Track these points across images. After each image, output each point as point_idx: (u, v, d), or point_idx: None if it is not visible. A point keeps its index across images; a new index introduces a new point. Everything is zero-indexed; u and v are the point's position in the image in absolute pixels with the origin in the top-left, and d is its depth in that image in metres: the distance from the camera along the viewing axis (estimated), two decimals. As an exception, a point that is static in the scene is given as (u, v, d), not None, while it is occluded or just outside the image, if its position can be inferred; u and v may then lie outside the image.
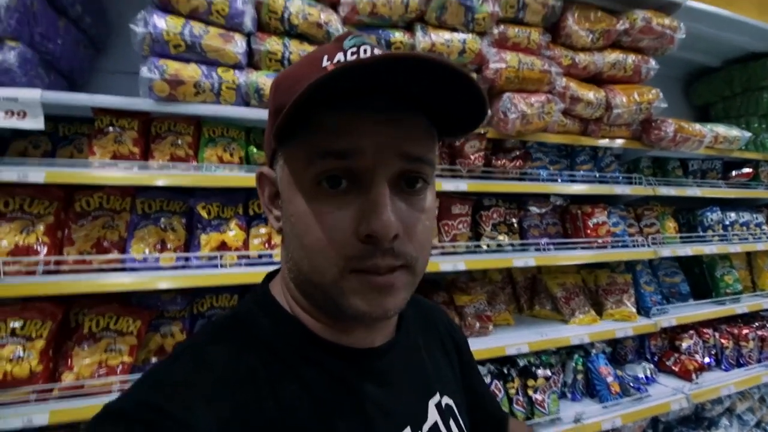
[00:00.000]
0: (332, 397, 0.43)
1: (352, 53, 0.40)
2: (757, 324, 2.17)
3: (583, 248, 1.81)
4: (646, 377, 1.86)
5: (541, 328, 1.72)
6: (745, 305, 2.09)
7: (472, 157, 1.54)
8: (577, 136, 1.78)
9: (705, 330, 2.06)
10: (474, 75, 1.56)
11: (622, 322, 1.82)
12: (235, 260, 1.25)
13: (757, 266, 2.34)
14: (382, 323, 0.50)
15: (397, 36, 1.43)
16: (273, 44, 1.29)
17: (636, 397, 1.69)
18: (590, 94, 1.67)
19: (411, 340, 0.56)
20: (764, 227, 2.31)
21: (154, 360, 1.30)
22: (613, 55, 1.74)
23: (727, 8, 1.89)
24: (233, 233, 1.28)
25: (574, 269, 2.01)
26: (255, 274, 1.22)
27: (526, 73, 1.52)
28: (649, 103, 1.75)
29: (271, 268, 1.13)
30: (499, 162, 1.65)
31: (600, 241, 1.81)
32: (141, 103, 1.18)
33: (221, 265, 1.23)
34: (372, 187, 0.38)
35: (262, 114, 1.28)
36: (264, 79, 1.25)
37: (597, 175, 1.89)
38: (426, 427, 0.50)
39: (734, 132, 2.07)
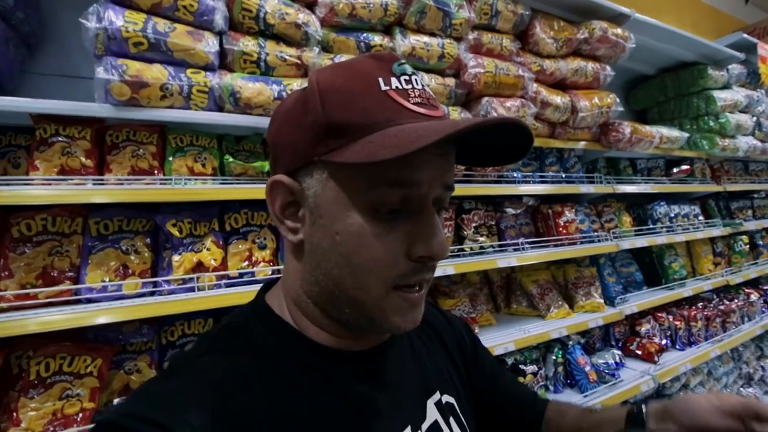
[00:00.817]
0: (328, 401, 0.44)
1: (406, 81, 0.42)
2: (701, 305, 2.40)
3: (555, 245, 1.88)
4: (616, 363, 1.97)
5: (521, 325, 1.76)
6: (690, 289, 2.30)
7: (454, 161, 1.53)
8: (546, 138, 1.85)
9: (660, 314, 2.24)
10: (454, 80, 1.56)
11: (593, 313, 1.92)
12: (213, 281, 1.13)
13: (695, 253, 2.59)
14: None
15: (377, 39, 1.39)
16: (248, 45, 1.19)
17: (611, 383, 1.78)
18: (558, 98, 1.74)
19: (406, 340, 0.57)
20: (700, 217, 2.57)
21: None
22: (575, 63, 1.83)
23: (655, 17, 2.08)
24: (209, 251, 1.15)
25: (544, 266, 2.08)
26: (237, 295, 1.11)
27: (502, 78, 1.55)
28: (608, 107, 1.87)
29: (254, 287, 1.02)
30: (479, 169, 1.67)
31: (571, 237, 1.90)
32: (97, 108, 1.02)
33: (198, 288, 1.10)
34: (425, 213, 0.42)
35: (239, 120, 1.17)
36: (240, 82, 1.15)
37: (564, 175, 1.98)
38: (425, 426, 0.51)
39: (675, 133, 2.27)
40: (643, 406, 0.59)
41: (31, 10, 1.21)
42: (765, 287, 2.86)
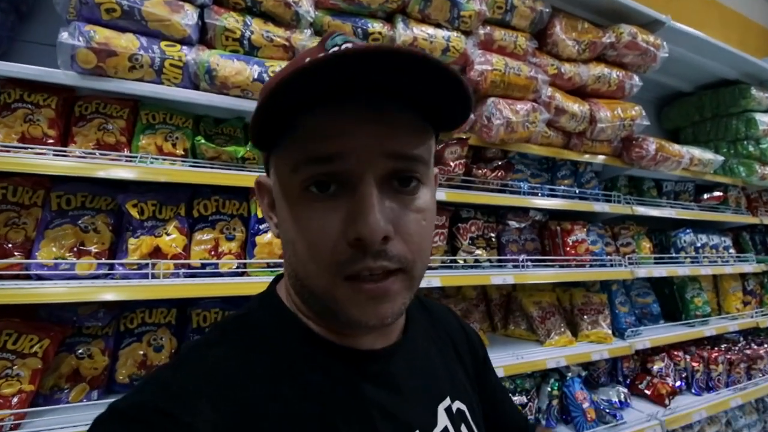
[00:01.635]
0: (336, 400, 0.42)
1: (332, 48, 0.40)
2: (724, 347, 2.16)
3: (561, 266, 1.72)
4: (620, 401, 1.78)
5: (517, 350, 1.61)
6: (713, 327, 2.07)
7: (453, 165, 1.41)
8: (559, 149, 1.70)
9: (676, 353, 2.03)
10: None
11: (598, 344, 1.74)
12: (171, 270, 1.05)
13: (722, 289, 2.35)
14: (388, 327, 0.48)
15: (376, 27, 1.29)
16: (231, 21, 1.11)
17: (612, 425, 1.60)
18: (575, 106, 1.60)
19: (419, 343, 0.55)
20: (731, 250, 2.33)
21: (66, 387, 1.07)
22: (598, 69, 1.68)
23: (706, 30, 1.90)
24: (171, 237, 1.07)
25: (549, 287, 1.92)
26: (196, 287, 1.02)
27: (512, 78, 1.42)
28: (632, 119, 1.70)
29: (216, 280, 0.94)
30: (479, 171, 1.54)
31: (579, 259, 1.73)
32: (59, 74, 0.97)
33: (153, 275, 1.02)
34: (358, 189, 0.37)
35: (213, 99, 1.09)
36: (218, 59, 1.07)
37: (577, 191, 1.82)
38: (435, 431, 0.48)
39: (708, 155, 2.07)
40: None
41: (21, -25, 1.18)
42: (802, 334, 2.57)
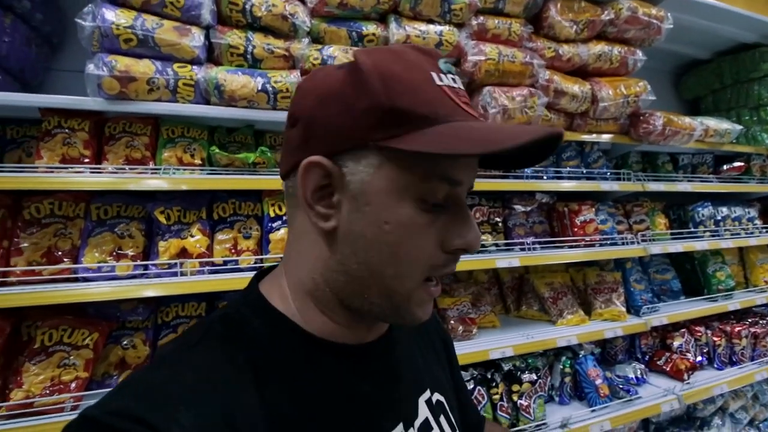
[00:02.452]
0: (321, 393, 0.43)
1: (453, 80, 0.44)
2: (750, 321, 2.12)
3: (570, 247, 1.75)
4: (637, 378, 1.80)
5: (528, 330, 1.66)
6: (737, 302, 2.03)
7: (452, 155, 1.46)
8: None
9: (697, 328, 2.01)
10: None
11: (612, 322, 1.76)
12: (196, 267, 1.18)
13: (749, 261, 2.29)
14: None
15: (370, 28, 1.36)
16: (234, 38, 1.21)
17: (626, 400, 1.63)
18: (575, 87, 1.61)
19: (402, 337, 0.57)
20: (756, 222, 2.26)
21: (115, 374, 1.23)
22: (599, 47, 1.67)
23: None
24: (195, 239, 1.20)
25: (562, 268, 1.94)
26: (220, 282, 1.15)
27: (506, 66, 1.45)
28: (637, 95, 1.69)
29: (237, 275, 1.03)
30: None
31: (588, 239, 1.75)
32: (89, 102, 1.10)
33: (181, 273, 1.15)
34: (461, 208, 0.44)
35: (223, 112, 1.20)
36: (224, 75, 1.18)
37: (584, 171, 1.83)
38: (417, 423, 0.51)
39: (725, 125, 2.01)
40: None
41: (50, 11, 1.33)
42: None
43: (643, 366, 1.85)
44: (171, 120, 1.27)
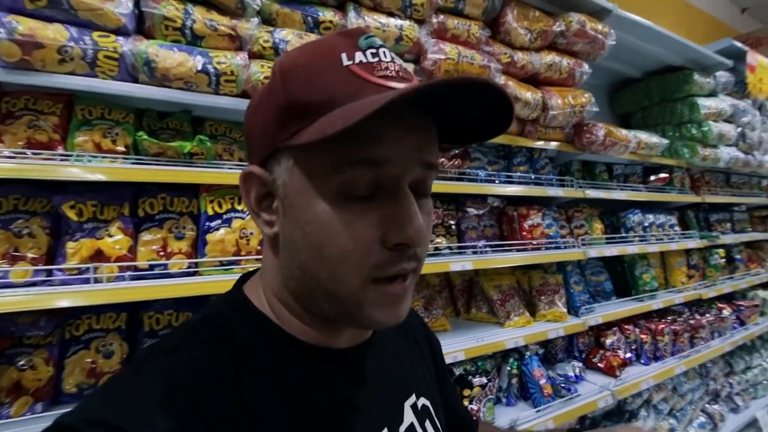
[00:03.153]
0: (307, 399, 0.42)
1: (372, 54, 0.39)
2: (670, 318, 2.32)
3: (518, 250, 1.78)
4: (575, 376, 1.88)
5: (478, 332, 1.66)
6: (660, 301, 2.22)
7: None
8: (515, 136, 1.74)
9: (627, 326, 2.16)
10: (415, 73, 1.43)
11: (554, 323, 1.83)
12: (115, 273, 1.01)
13: (669, 264, 2.51)
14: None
15: (327, 15, 1.26)
16: (171, 9, 1.06)
17: (567, 398, 1.70)
18: (528, 94, 1.63)
19: (387, 341, 0.56)
20: (676, 228, 2.49)
21: (6, 402, 1.01)
22: (550, 57, 1.72)
23: (650, 20, 1.97)
24: (114, 239, 1.03)
25: (509, 270, 1.99)
26: (144, 289, 0.99)
27: (465, 67, 1.43)
28: (582, 106, 1.76)
29: (167, 282, 0.91)
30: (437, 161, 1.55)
31: (535, 242, 1.80)
32: (-23, 68, 0.89)
33: (95, 280, 0.98)
34: (400, 195, 0.39)
35: (154, 92, 1.04)
36: (157, 50, 1.02)
37: (533, 176, 1.88)
38: (402, 428, 0.50)
39: (654, 139, 2.18)
40: None
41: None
42: (739, 303, 2.80)
43: (581, 364, 1.95)
44: (88, 98, 1.08)
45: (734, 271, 2.86)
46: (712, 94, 2.44)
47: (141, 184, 1.12)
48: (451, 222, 1.71)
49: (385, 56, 0.40)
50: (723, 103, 2.42)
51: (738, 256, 2.93)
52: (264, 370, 0.42)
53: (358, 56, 0.39)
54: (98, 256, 1.01)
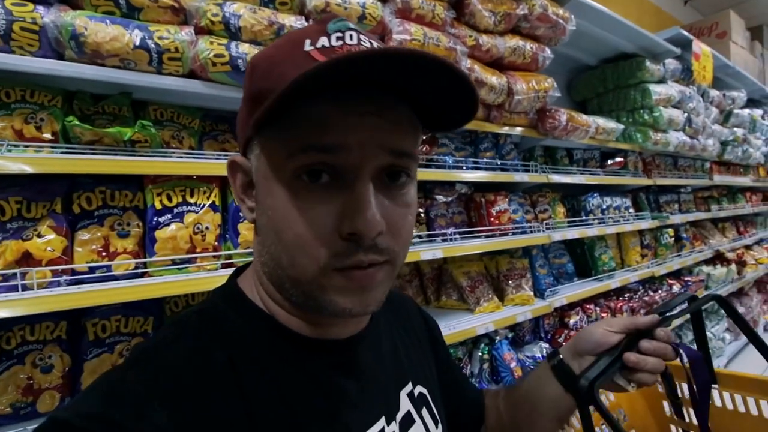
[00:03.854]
0: (302, 390, 0.43)
1: (338, 38, 0.39)
2: (627, 296, 2.44)
3: (486, 236, 1.79)
4: (543, 356, 1.94)
5: (449, 320, 1.66)
6: (618, 280, 2.32)
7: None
8: (481, 122, 1.72)
9: (588, 306, 2.24)
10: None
11: (522, 306, 1.86)
12: (48, 278, 0.88)
13: (624, 245, 2.63)
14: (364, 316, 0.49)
15: (283, -11, 1.17)
16: (100, -25, 0.93)
17: (535, 380, 1.73)
18: (493, 78, 1.62)
19: (383, 330, 0.56)
20: (631, 210, 2.61)
21: None
22: (513, 41, 1.71)
23: (607, 7, 2.01)
24: (45, 239, 0.90)
25: (477, 257, 2.00)
26: (85, 295, 0.88)
27: (431, 49, 1.38)
28: (546, 91, 1.77)
29: (111, 285, 0.86)
30: (404, 147, 1.51)
31: (503, 228, 1.81)
32: None
33: (24, 287, 0.85)
34: (356, 184, 0.38)
35: (84, 71, 0.91)
36: (85, 22, 0.89)
37: (499, 162, 1.88)
38: (399, 416, 0.50)
39: (611, 124, 2.25)
40: (559, 356, 0.64)
41: None
42: (686, 278, 3.00)
43: (547, 345, 2.00)
44: (4, 78, 0.93)
45: (681, 249, 3.06)
46: (661, 81, 2.56)
47: (74, 176, 0.99)
48: (420, 210, 1.68)
49: (351, 39, 0.39)
50: (672, 89, 2.54)
51: (684, 235, 3.13)
52: (259, 363, 0.42)
53: (322, 41, 0.38)
54: (26, 259, 0.89)
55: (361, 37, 0.40)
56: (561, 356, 0.64)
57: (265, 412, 0.40)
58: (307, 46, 0.38)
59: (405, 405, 0.52)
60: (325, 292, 0.39)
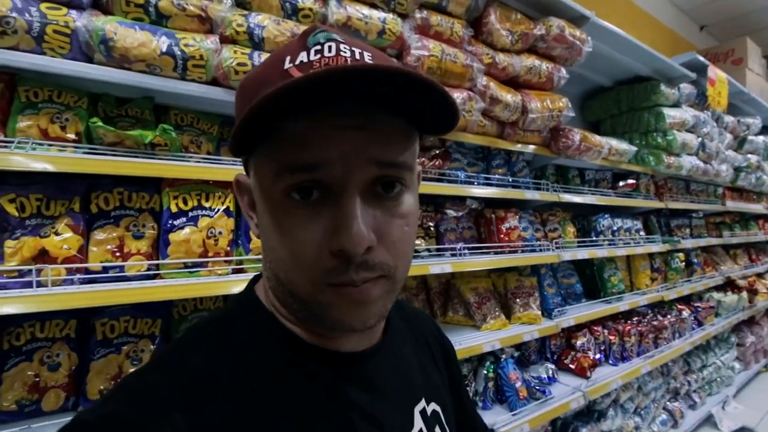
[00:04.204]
0: (315, 402, 0.43)
1: (316, 52, 0.39)
2: (635, 320, 2.40)
3: (495, 253, 1.77)
4: (549, 377, 1.90)
5: (455, 336, 1.64)
6: (627, 303, 2.28)
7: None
8: (494, 138, 1.73)
9: (596, 328, 2.21)
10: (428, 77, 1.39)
11: (529, 325, 1.83)
12: (62, 276, 0.89)
13: (634, 267, 2.60)
14: (368, 329, 0.47)
15: (306, 2, 1.19)
16: (132, -17, 0.95)
17: (541, 401, 1.70)
18: (508, 96, 1.63)
19: (397, 345, 0.56)
20: (641, 233, 2.58)
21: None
22: (530, 60, 1.72)
23: (624, 30, 2.03)
24: (62, 237, 0.91)
25: (485, 273, 1.98)
26: (96, 294, 0.89)
27: (449, 65, 1.40)
28: (560, 111, 1.78)
29: (123, 285, 0.88)
30: (418, 160, 1.51)
31: (512, 245, 1.80)
32: None
33: (39, 284, 0.86)
34: (341, 200, 0.37)
35: (111, 74, 0.94)
36: (116, 27, 0.92)
37: (510, 179, 1.88)
38: None
39: (624, 146, 2.24)
40: None
41: None
42: (696, 304, 2.94)
43: (553, 366, 1.97)
44: (34, 78, 0.96)
45: (692, 274, 3.01)
46: (676, 104, 2.55)
47: (94, 176, 1.00)
48: (430, 224, 1.68)
49: (330, 51, 0.38)
50: (686, 113, 2.53)
51: (695, 260, 3.09)
52: (274, 371, 0.42)
53: (301, 56, 0.38)
54: (42, 256, 0.90)
55: (341, 47, 0.39)
56: None
57: (279, 421, 0.40)
58: (287, 64, 0.38)
59: (418, 423, 0.52)
60: (321, 307, 0.39)
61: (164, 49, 0.96)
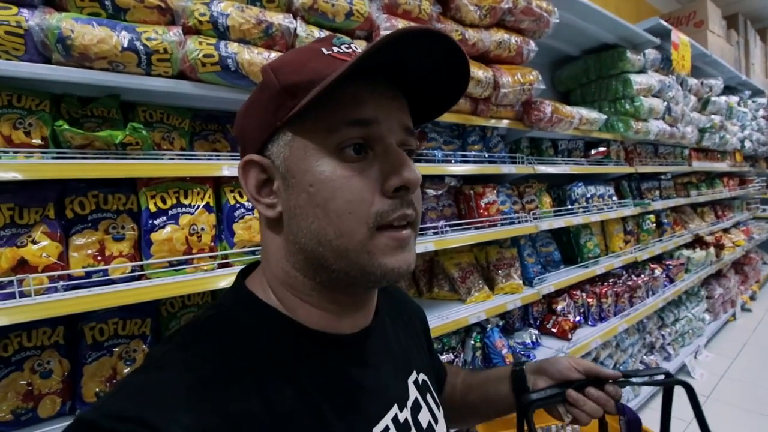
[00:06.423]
0: (322, 385, 0.45)
1: (346, 47, 0.46)
2: (611, 281, 2.52)
3: (476, 228, 1.82)
4: (532, 342, 2.00)
5: (441, 311, 1.70)
6: (603, 266, 2.39)
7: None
8: (468, 115, 1.75)
9: (575, 292, 2.32)
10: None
11: (512, 295, 1.91)
12: (45, 284, 0.88)
13: (608, 232, 2.71)
14: (370, 304, 0.53)
15: (270, -13, 1.16)
16: (84, -24, 0.91)
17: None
18: (480, 72, 1.64)
19: (387, 322, 0.60)
20: (614, 198, 2.68)
21: None
22: (499, 34, 1.73)
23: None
24: (40, 246, 0.90)
25: (467, 248, 2.04)
26: (83, 299, 0.88)
27: (418, 45, 1.40)
28: (531, 84, 1.81)
29: (109, 289, 0.87)
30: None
31: (491, 219, 1.85)
32: None
33: (22, 294, 0.85)
34: (391, 150, 0.44)
35: (72, 74, 0.90)
36: (71, 24, 0.88)
37: (486, 155, 1.91)
38: (409, 403, 0.54)
39: (594, 114, 2.30)
40: (523, 366, 0.71)
41: None
42: (667, 262, 3.10)
43: (536, 331, 2.07)
44: (-10, 83, 0.92)
45: (662, 234, 3.16)
46: (642, 70, 2.62)
47: (66, 181, 0.99)
48: (411, 204, 1.70)
49: (357, 49, 0.46)
50: (652, 78, 2.60)
51: (665, 220, 3.23)
52: (279, 361, 0.44)
53: (336, 49, 0.46)
54: (22, 266, 0.88)
55: (357, 46, 0.48)
56: (524, 367, 0.70)
57: (287, 411, 0.41)
58: (326, 52, 0.45)
59: (413, 393, 0.56)
60: (372, 256, 0.43)
61: (126, 45, 0.93)
